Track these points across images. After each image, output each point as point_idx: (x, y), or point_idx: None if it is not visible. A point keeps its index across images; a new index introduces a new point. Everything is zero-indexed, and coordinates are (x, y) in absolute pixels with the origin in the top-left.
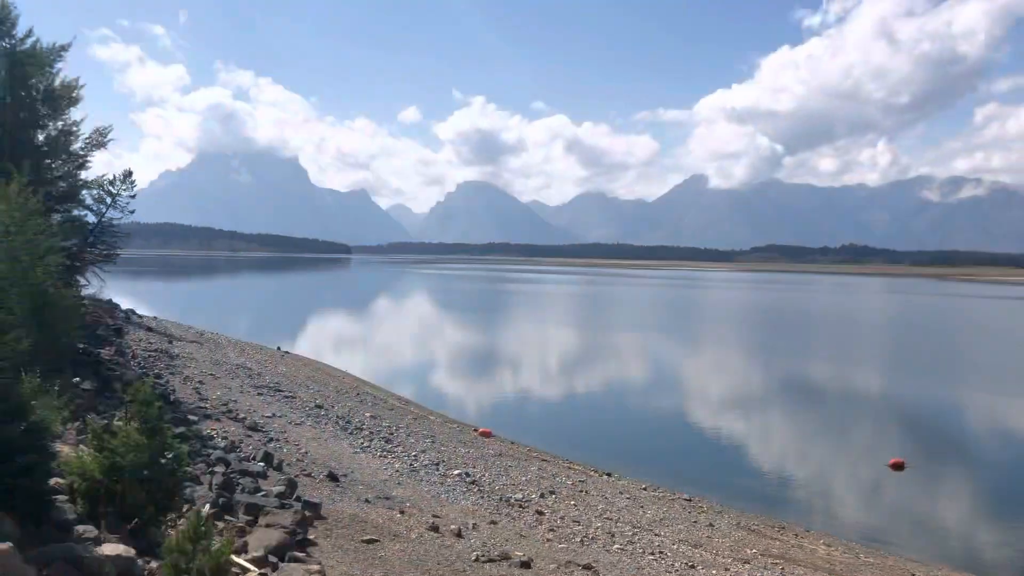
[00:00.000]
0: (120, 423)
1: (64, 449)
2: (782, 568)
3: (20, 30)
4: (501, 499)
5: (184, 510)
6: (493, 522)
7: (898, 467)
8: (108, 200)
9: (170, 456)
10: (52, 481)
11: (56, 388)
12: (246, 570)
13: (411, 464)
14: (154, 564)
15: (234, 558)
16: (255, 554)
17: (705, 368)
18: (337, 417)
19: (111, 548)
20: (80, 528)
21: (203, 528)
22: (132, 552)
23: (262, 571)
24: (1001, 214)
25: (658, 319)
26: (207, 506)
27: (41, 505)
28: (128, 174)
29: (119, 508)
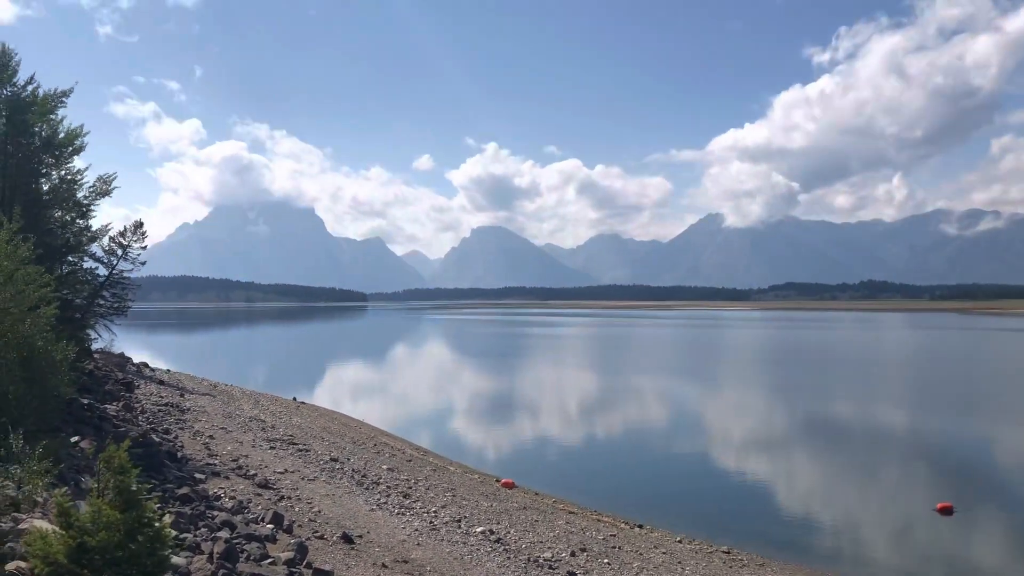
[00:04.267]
0: (92, 496)
1: (35, 524)
2: None
3: (22, 78)
4: (529, 559)
5: None
6: None
7: (946, 511)
8: (119, 252)
9: (150, 533)
10: (12, 565)
11: (39, 449)
12: None
13: (431, 522)
14: None
15: None
16: None
17: (732, 409)
18: (353, 471)
19: None
20: None
21: None
22: None
23: None
24: (1022, 246)
25: (679, 360)
26: None
27: None
28: (139, 225)
29: None
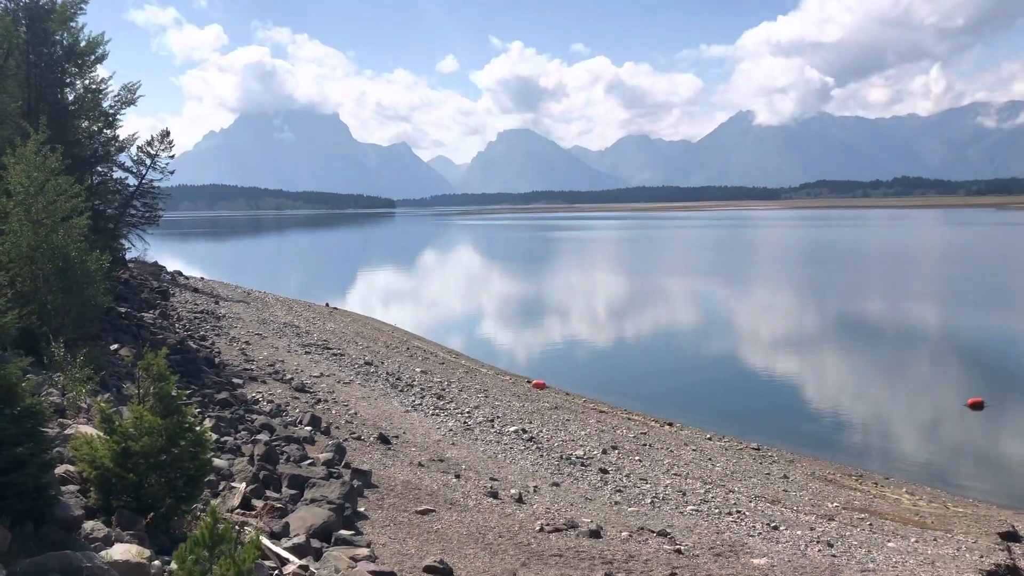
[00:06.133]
0: (133, 403)
1: (80, 430)
2: (870, 524)
3: None
4: (561, 457)
5: (220, 488)
6: (555, 484)
7: (977, 407)
8: (147, 162)
9: (191, 438)
10: (62, 469)
11: (81, 357)
12: (285, 561)
13: (465, 422)
14: (175, 565)
15: (271, 546)
16: (296, 539)
17: (761, 309)
18: (387, 374)
19: (122, 550)
20: (88, 526)
21: (222, 530)
22: (146, 555)
23: (302, 562)
24: None
25: (707, 262)
26: (243, 484)
27: (40, 502)
28: (165, 134)
29: (134, 500)
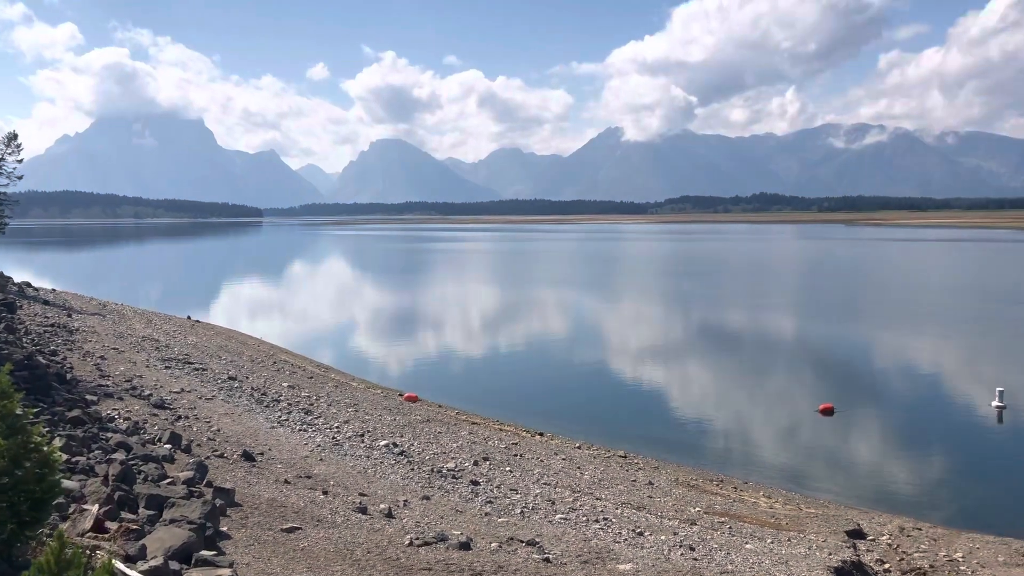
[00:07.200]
0: None
1: None
2: (729, 527)
3: None
4: (432, 470)
5: (70, 511)
6: (426, 497)
7: (828, 412)
8: None
9: (36, 458)
10: None
11: None
12: None
13: (333, 437)
14: None
15: (125, 570)
16: (154, 562)
17: (628, 321)
18: (252, 389)
19: None
20: None
21: (70, 555)
22: None
23: None
24: (902, 159)
25: (578, 274)
26: (96, 506)
27: None
28: (13, 136)
29: None
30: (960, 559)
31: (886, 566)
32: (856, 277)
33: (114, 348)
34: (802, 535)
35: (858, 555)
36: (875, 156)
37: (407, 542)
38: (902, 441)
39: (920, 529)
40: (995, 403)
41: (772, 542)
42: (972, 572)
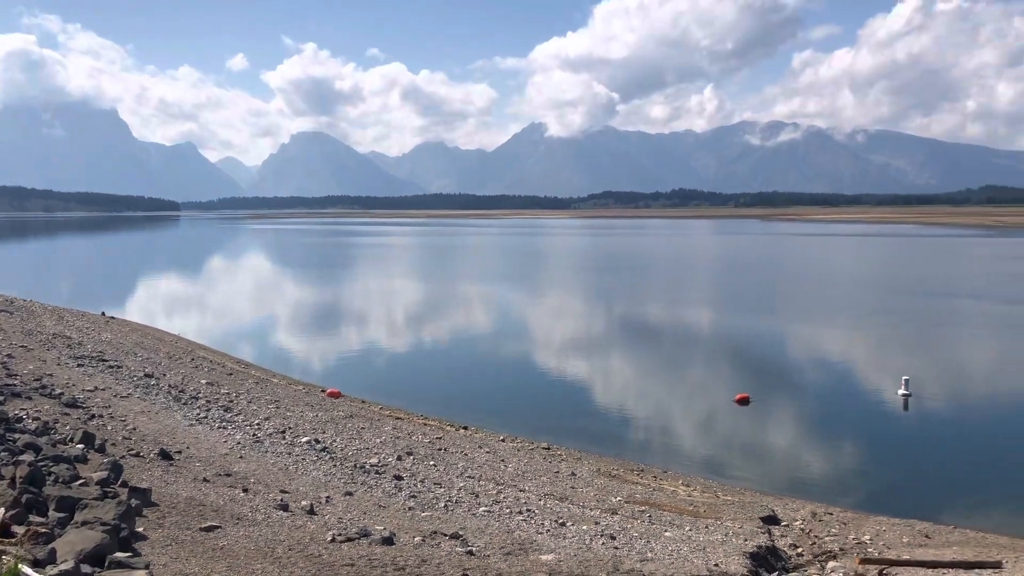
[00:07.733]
0: None
1: None
2: (649, 516)
3: None
4: (356, 466)
5: None
6: (348, 493)
7: (744, 402)
8: None
9: None
10: None
11: None
12: None
13: (254, 434)
14: None
15: (33, 575)
16: (64, 566)
17: (550, 314)
18: (169, 386)
19: None
20: None
21: None
22: None
23: None
24: (815, 156)
25: (500, 269)
26: (2, 510)
27: None
28: None
29: None
30: (868, 541)
31: (799, 550)
32: (770, 271)
33: (22, 346)
34: (719, 522)
35: (772, 540)
36: (789, 153)
37: (329, 538)
38: (814, 429)
39: (831, 514)
40: (901, 391)
41: (690, 529)
42: (879, 553)
